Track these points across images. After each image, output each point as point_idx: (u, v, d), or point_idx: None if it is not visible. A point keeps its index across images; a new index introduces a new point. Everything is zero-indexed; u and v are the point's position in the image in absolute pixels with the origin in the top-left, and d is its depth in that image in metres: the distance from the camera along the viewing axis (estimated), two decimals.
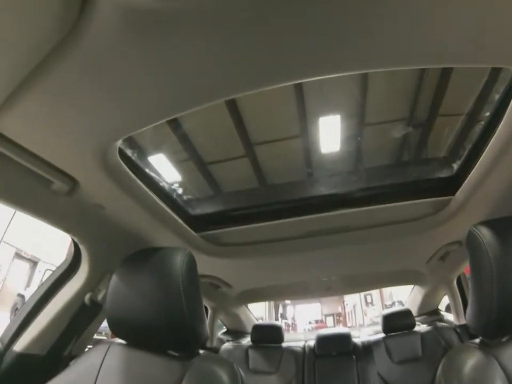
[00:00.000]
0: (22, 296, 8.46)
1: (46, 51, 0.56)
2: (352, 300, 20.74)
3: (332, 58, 0.66)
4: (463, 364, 0.80)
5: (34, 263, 11.24)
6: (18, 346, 1.07)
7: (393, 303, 13.94)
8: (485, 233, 0.85)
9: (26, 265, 11.08)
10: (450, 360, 0.87)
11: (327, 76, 0.69)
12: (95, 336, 1.43)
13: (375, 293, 16.66)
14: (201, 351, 0.96)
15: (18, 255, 10.62)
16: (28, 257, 10.96)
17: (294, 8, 0.54)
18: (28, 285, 10.48)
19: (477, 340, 0.88)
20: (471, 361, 0.79)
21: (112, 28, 0.55)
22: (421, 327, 2.35)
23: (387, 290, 15.54)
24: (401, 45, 0.63)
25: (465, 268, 1.95)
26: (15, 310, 8.05)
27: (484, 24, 0.60)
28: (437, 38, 0.62)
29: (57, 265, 1.29)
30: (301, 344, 2.51)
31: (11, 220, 9.74)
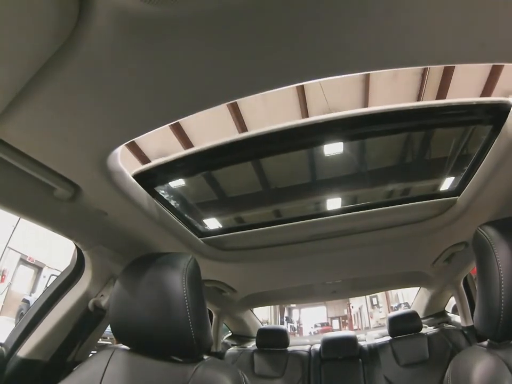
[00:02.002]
0: (27, 302, 8.50)
1: (45, 59, 0.56)
2: (358, 302, 20.67)
3: (332, 60, 0.65)
4: (471, 367, 0.79)
5: (39, 268, 11.29)
6: (22, 352, 1.07)
7: (399, 305, 13.88)
8: (491, 234, 0.84)
9: (31, 271, 11.13)
10: (459, 363, 0.86)
11: (328, 78, 0.69)
12: (100, 341, 1.43)
13: (380, 295, 16.61)
14: (205, 357, 0.95)
15: (23, 261, 10.67)
16: (33, 262, 11.02)
17: (293, 10, 0.54)
18: (32, 291, 10.53)
19: (485, 343, 0.87)
20: (480, 364, 0.78)
21: (110, 35, 0.54)
22: (427, 330, 2.32)
23: (393, 292, 15.48)
24: (402, 45, 0.63)
25: (472, 269, 1.93)
26: (20, 315, 8.09)
27: (483, 22, 0.59)
28: (437, 37, 0.62)
29: (62, 270, 1.29)
30: (307, 348, 2.49)
31: (16, 225, 9.80)
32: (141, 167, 1.08)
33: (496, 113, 0.97)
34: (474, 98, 0.97)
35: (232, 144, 1.06)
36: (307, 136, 1.05)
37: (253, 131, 1.02)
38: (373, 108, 0.99)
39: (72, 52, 0.56)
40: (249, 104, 6.32)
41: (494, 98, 0.96)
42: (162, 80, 0.65)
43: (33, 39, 0.52)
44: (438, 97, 6.69)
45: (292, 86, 0.70)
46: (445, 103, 1.00)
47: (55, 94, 0.63)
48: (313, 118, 1.01)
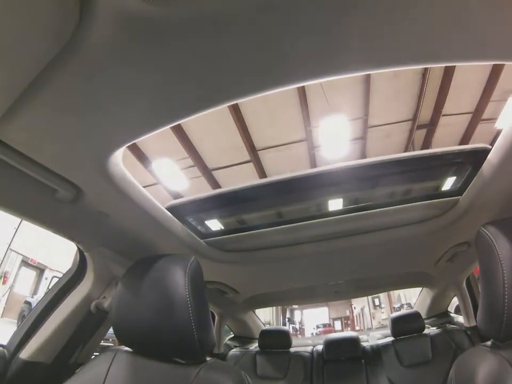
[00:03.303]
0: (29, 303, 8.51)
1: (47, 61, 0.56)
2: (360, 303, 20.64)
3: (334, 60, 0.65)
4: (475, 368, 0.78)
5: (41, 270, 11.32)
6: (24, 354, 1.07)
7: (402, 306, 13.85)
8: (494, 233, 0.83)
9: (33, 273, 11.16)
10: (462, 364, 0.85)
11: (330, 78, 0.69)
12: (102, 343, 1.43)
13: (382, 295, 16.58)
14: (208, 358, 0.95)
15: (25, 263, 10.70)
16: (35, 264, 11.04)
17: (294, 11, 0.54)
18: (34, 292, 10.54)
19: (489, 343, 0.86)
20: (484, 364, 0.77)
21: (111, 37, 0.55)
22: (430, 330, 2.31)
23: (395, 293, 15.45)
24: (404, 44, 0.63)
25: (475, 269, 1.92)
26: (22, 317, 8.10)
27: (485, 21, 0.59)
28: (438, 36, 0.62)
29: (64, 272, 1.29)
30: (309, 349, 2.49)
31: (17, 227, 9.83)
32: (173, 202, 1.29)
33: (476, 156, 1.12)
34: (455, 147, 1.17)
35: (250, 189, 1.27)
36: (314, 183, 1.25)
37: (269, 178, 1.26)
38: (372, 159, 1.20)
39: (73, 53, 0.56)
40: (250, 105, 6.32)
41: (473, 145, 1.14)
42: (164, 81, 0.65)
43: (34, 41, 0.52)
44: (439, 97, 6.70)
45: (293, 87, 0.70)
46: (430, 152, 1.19)
47: (56, 96, 0.63)
48: (317, 169, 1.26)
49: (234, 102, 0.73)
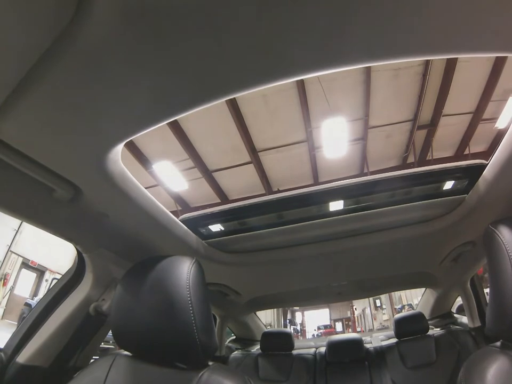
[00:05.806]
0: (29, 305, 8.51)
1: (41, 53, 0.53)
2: (361, 304, 20.67)
3: (337, 52, 0.63)
4: (485, 369, 0.77)
5: (41, 272, 11.33)
6: (22, 357, 1.04)
7: (403, 307, 13.86)
8: (503, 231, 0.82)
9: (33, 275, 11.17)
10: (472, 365, 0.84)
11: (332, 71, 0.67)
12: (102, 345, 1.41)
13: (384, 296, 16.62)
14: (210, 362, 0.92)
15: (25, 265, 10.71)
16: (35, 266, 11.05)
17: (295, 3, 0.52)
18: (35, 294, 10.56)
19: (498, 343, 0.85)
20: (494, 365, 0.76)
21: (109, 28, 0.53)
22: (434, 331, 2.29)
23: (396, 294, 15.47)
24: (411, 34, 0.61)
25: (479, 269, 1.90)
26: (22, 319, 8.10)
27: (497, 8, 0.57)
28: (448, 24, 0.59)
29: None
30: (312, 351, 2.47)
31: (18, 229, 9.84)
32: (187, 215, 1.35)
33: (472, 169, 1.16)
34: (454, 163, 1.21)
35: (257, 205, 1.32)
36: (316, 198, 1.32)
37: (275, 195, 1.32)
38: (377, 175, 1.26)
39: (69, 46, 0.54)
40: (251, 106, 6.33)
41: (470, 161, 1.18)
42: (162, 75, 0.63)
43: (28, 32, 0.50)
44: (439, 97, 6.71)
45: (294, 79, 0.68)
46: (430, 169, 1.23)
47: (51, 90, 0.61)
48: (320, 186, 1.31)
49: (234, 96, 0.71)
